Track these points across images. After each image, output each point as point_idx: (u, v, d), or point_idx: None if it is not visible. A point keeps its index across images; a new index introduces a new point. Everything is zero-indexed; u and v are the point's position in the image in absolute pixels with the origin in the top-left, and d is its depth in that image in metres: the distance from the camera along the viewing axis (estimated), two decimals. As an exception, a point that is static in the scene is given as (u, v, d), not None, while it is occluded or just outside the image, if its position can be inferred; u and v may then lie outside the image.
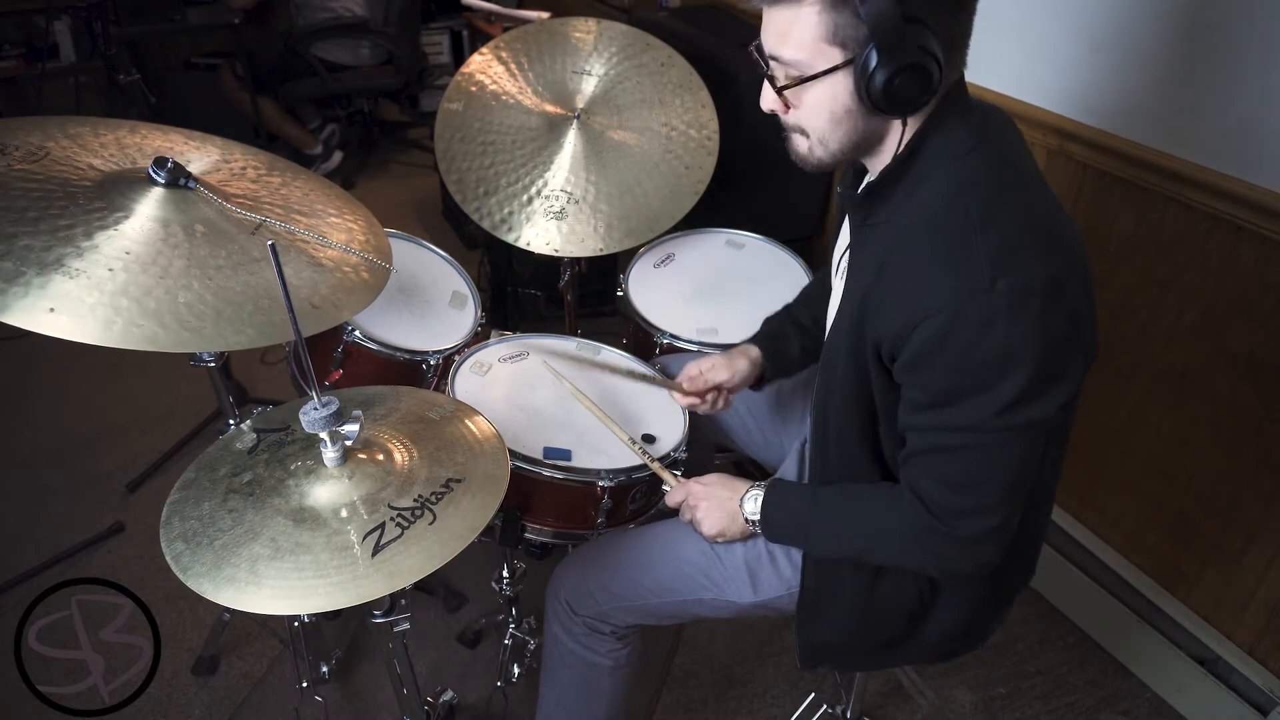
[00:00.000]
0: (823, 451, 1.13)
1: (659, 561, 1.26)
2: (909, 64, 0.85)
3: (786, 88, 0.93)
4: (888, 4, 0.83)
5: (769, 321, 1.43)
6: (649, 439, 1.38)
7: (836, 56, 0.89)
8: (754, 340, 1.41)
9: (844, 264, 1.12)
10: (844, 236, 1.14)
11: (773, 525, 1.15)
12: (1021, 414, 0.89)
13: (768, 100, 0.97)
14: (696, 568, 1.24)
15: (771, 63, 0.94)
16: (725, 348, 1.60)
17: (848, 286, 1.06)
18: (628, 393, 1.48)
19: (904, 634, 1.16)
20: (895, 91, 0.86)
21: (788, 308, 1.44)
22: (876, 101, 0.88)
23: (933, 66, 0.85)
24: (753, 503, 1.16)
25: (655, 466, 1.29)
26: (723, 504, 1.19)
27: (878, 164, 1.00)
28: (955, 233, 0.90)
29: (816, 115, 0.95)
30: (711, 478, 1.23)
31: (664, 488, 1.29)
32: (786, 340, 1.39)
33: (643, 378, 1.46)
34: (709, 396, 1.38)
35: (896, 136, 0.95)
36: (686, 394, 1.38)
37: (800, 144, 1.00)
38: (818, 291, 1.40)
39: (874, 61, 0.85)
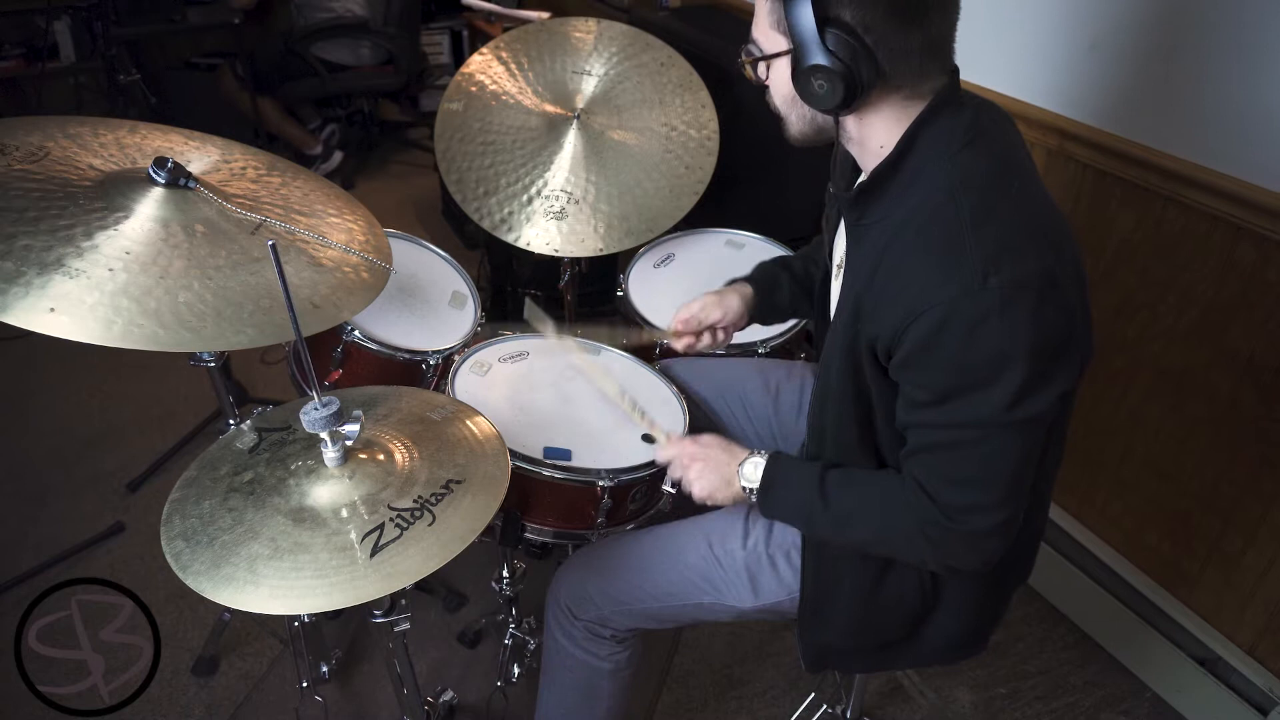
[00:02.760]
0: (819, 451, 1.13)
1: (659, 565, 1.26)
2: (816, 65, 0.90)
3: (744, 62, 1.01)
4: (803, 5, 0.89)
5: (763, 265, 1.45)
6: (648, 439, 1.38)
7: (783, 44, 0.96)
8: (747, 279, 1.43)
9: (840, 263, 1.12)
10: (840, 238, 1.15)
11: (772, 499, 1.12)
12: (1020, 410, 0.89)
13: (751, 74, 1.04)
14: (697, 572, 1.23)
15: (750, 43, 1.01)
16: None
17: (844, 288, 1.06)
18: (628, 391, 1.48)
19: (906, 635, 1.16)
20: (808, 89, 0.93)
21: (782, 257, 1.46)
22: (799, 94, 0.95)
23: (842, 71, 0.89)
24: (753, 469, 1.13)
25: (644, 422, 1.28)
26: (719, 466, 1.16)
27: (868, 162, 1.01)
28: (948, 230, 0.90)
29: (777, 95, 1.02)
30: (708, 438, 1.20)
31: (656, 445, 1.26)
32: (778, 285, 1.41)
33: (639, 344, 1.44)
34: (705, 336, 1.39)
35: (872, 130, 0.98)
36: (681, 335, 1.38)
37: (783, 121, 1.05)
38: (816, 250, 1.42)
39: (797, 56, 0.92)
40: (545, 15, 2.04)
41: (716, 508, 1.22)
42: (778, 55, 0.97)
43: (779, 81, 1.00)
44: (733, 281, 1.43)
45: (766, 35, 0.97)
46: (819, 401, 1.11)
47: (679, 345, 1.40)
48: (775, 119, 1.06)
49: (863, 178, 1.03)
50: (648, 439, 1.38)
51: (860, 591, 1.12)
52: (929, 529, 0.99)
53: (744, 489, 1.14)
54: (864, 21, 0.88)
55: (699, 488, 1.17)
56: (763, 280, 1.42)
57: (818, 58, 0.90)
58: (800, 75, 0.92)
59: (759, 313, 1.42)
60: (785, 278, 1.41)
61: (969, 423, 0.92)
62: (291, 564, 0.86)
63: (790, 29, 0.91)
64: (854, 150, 1.04)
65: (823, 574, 1.15)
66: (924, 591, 1.12)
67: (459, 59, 4.30)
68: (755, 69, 1.01)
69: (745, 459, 1.15)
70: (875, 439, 1.06)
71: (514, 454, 1.25)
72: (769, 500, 1.12)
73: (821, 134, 1.02)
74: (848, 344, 1.00)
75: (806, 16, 0.89)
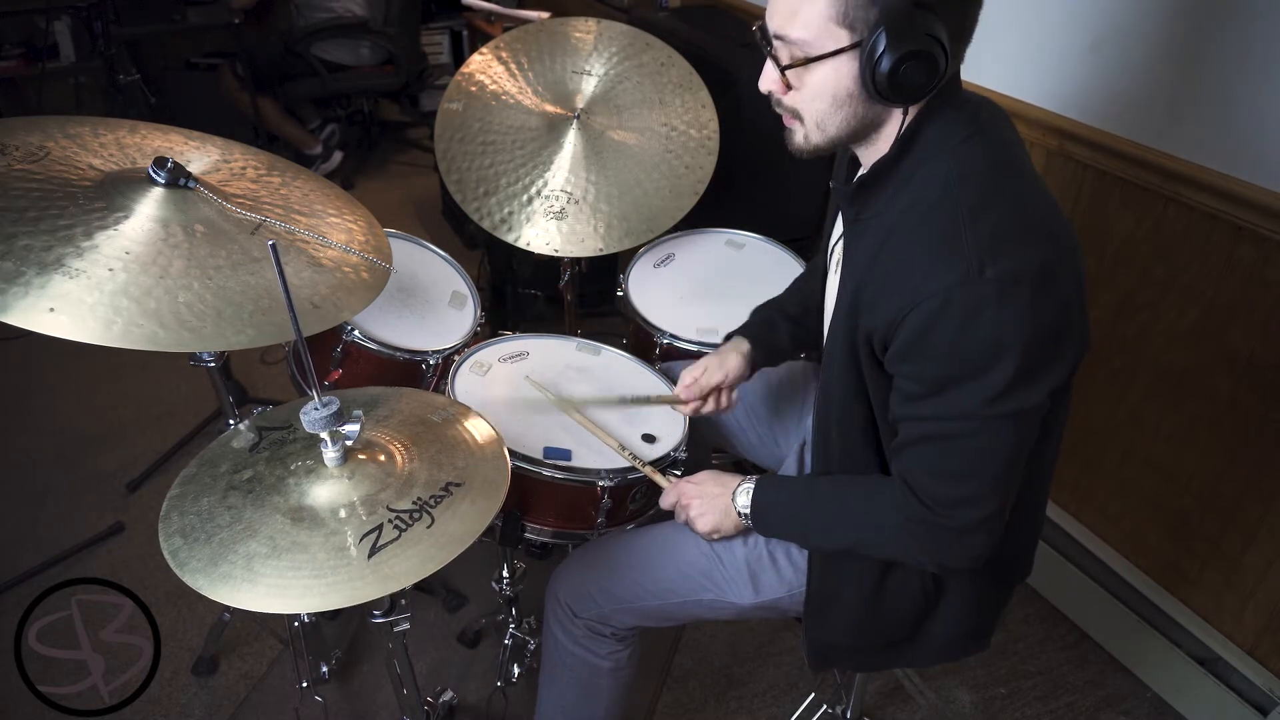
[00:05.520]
0: (824, 448, 1.13)
1: (659, 563, 1.26)
2: (916, 51, 0.84)
3: (791, 67, 0.92)
4: None
5: (758, 312, 1.43)
6: (649, 439, 1.38)
7: (844, 38, 0.88)
8: (742, 332, 1.41)
9: (838, 261, 1.12)
10: (837, 233, 1.14)
11: (765, 519, 1.15)
12: (1012, 402, 0.89)
13: (767, 81, 0.97)
14: (697, 569, 1.24)
15: (776, 42, 0.93)
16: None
17: (842, 282, 1.06)
18: (628, 393, 1.48)
19: (910, 634, 1.17)
20: (900, 78, 0.86)
21: (775, 300, 1.44)
22: (880, 87, 0.87)
23: (939, 55, 0.85)
24: (745, 496, 1.16)
25: (647, 470, 1.29)
26: (714, 500, 1.18)
27: (871, 156, 1.00)
28: (946, 222, 0.90)
29: (818, 98, 0.94)
30: (702, 475, 1.22)
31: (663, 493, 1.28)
32: (775, 331, 1.39)
33: (642, 401, 1.44)
34: (710, 399, 1.37)
35: (894, 126, 0.96)
36: (687, 403, 1.37)
37: (797, 130, 0.99)
38: (807, 282, 1.40)
39: (882, 46, 0.85)
40: (545, 15, 2.04)
41: None
42: (835, 53, 0.89)
43: (826, 82, 0.92)
44: (730, 337, 1.42)
45: (819, 32, 0.89)
46: (823, 401, 1.11)
47: (686, 411, 1.39)
48: (779, 126, 1.02)
49: (863, 171, 1.03)
50: (648, 439, 1.39)
51: (864, 591, 1.12)
52: (915, 526, 0.99)
53: (740, 515, 1.17)
54: (943, 0, 0.86)
55: (702, 524, 1.20)
56: (758, 326, 1.40)
57: (917, 44, 0.84)
58: (882, 66, 0.85)
59: (761, 357, 1.39)
60: (780, 320, 1.39)
61: (960, 414, 0.91)
62: (289, 563, 0.86)
63: (878, 15, 0.85)
64: (860, 146, 1.03)
65: (828, 574, 1.15)
66: (926, 590, 1.12)
67: (459, 59, 4.30)
68: (785, 74, 0.93)
69: (738, 487, 1.17)
70: (878, 436, 1.06)
71: (514, 454, 1.25)
72: (763, 521, 1.15)
73: (856, 136, 0.98)
74: (847, 340, 1.00)
75: (903, 1, 0.84)
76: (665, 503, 1.25)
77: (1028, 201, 0.94)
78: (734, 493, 1.17)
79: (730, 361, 1.36)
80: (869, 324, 0.95)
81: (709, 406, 1.38)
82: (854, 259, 1.03)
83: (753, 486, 1.16)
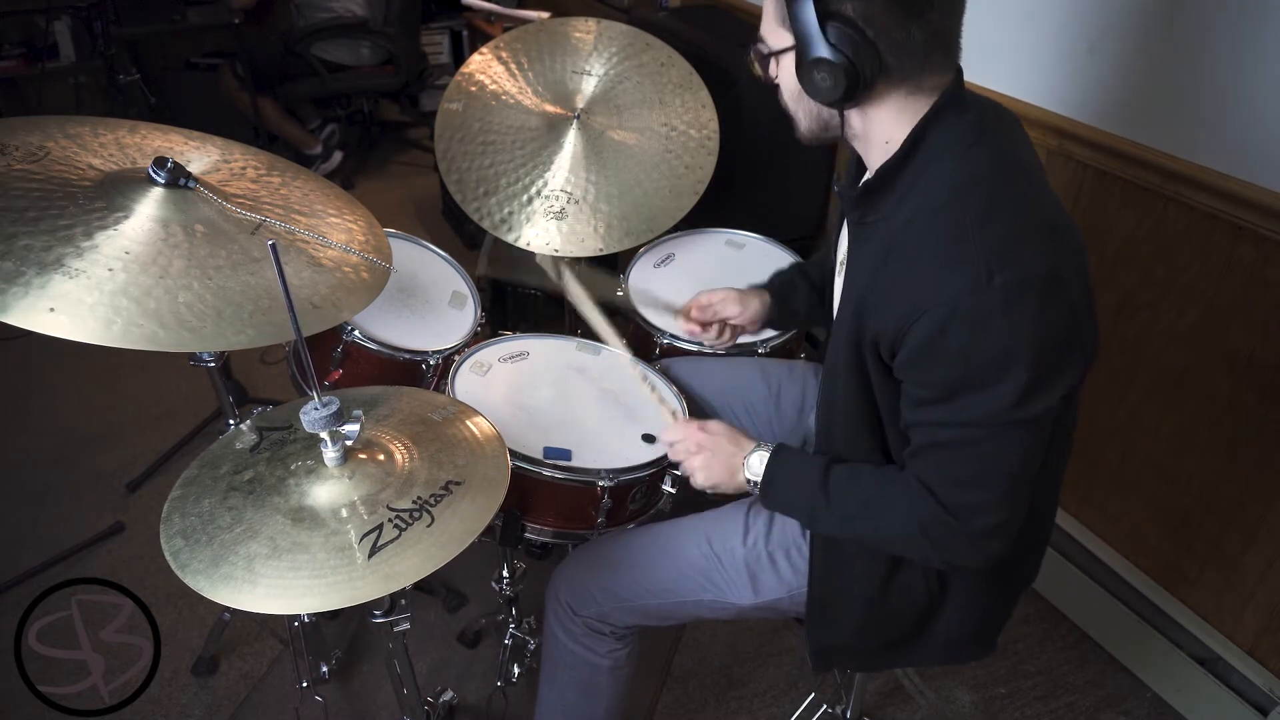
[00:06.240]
0: (828, 449, 1.13)
1: (659, 563, 1.26)
2: (818, 59, 0.91)
3: (753, 59, 1.03)
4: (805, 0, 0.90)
5: (780, 272, 1.46)
6: (649, 439, 1.38)
7: (787, 39, 0.96)
8: (765, 286, 1.44)
9: (843, 261, 1.12)
10: (844, 235, 1.15)
11: (773, 491, 1.12)
12: (1024, 409, 0.89)
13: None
14: (697, 569, 1.24)
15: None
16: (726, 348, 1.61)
17: (846, 285, 1.06)
18: (628, 393, 1.48)
19: (913, 634, 1.16)
20: (814, 82, 0.93)
21: (799, 264, 1.46)
22: (804, 88, 0.96)
23: (844, 64, 0.90)
24: (758, 462, 1.13)
25: (654, 397, 1.28)
26: (727, 458, 1.15)
27: (872, 158, 1.01)
28: (954, 228, 0.90)
29: (786, 92, 1.03)
30: (716, 426, 1.18)
31: (663, 425, 1.26)
32: (795, 292, 1.41)
33: (649, 312, 1.44)
34: (714, 328, 1.38)
35: (877, 126, 0.98)
36: (692, 320, 1.39)
37: (792, 119, 1.06)
38: (825, 258, 1.41)
39: (800, 51, 0.93)
40: (545, 15, 2.04)
41: (715, 502, 1.22)
42: (783, 51, 0.97)
43: (786, 78, 1.00)
44: (753, 288, 1.45)
45: (773, 32, 0.98)
46: (826, 401, 1.11)
47: (683, 329, 1.41)
48: (785, 117, 1.06)
49: (868, 175, 1.03)
50: (648, 439, 1.38)
51: (868, 592, 1.12)
52: (932, 529, 0.98)
53: (747, 481, 1.14)
54: (865, 14, 0.88)
55: (703, 477, 1.16)
56: (780, 287, 1.43)
57: (820, 51, 0.90)
58: (804, 69, 0.93)
59: (776, 318, 1.43)
60: (803, 284, 1.42)
61: (974, 421, 0.91)
62: (289, 564, 0.86)
63: (793, 23, 0.92)
64: (860, 147, 1.04)
65: (831, 574, 1.15)
66: (931, 592, 1.12)
67: (459, 59, 4.30)
68: (764, 67, 1.02)
69: (752, 451, 1.14)
70: (884, 438, 1.06)
71: (514, 454, 1.25)
72: (771, 495, 1.13)
73: (829, 130, 1.03)
74: (852, 342, 1.00)
75: (808, 10, 0.89)
76: (668, 436, 1.22)
77: (1034, 206, 0.94)
78: (747, 455, 1.14)
79: (750, 301, 1.40)
80: (876, 327, 0.95)
81: (710, 334, 1.41)
82: (860, 262, 1.03)
83: (768, 454, 1.12)
